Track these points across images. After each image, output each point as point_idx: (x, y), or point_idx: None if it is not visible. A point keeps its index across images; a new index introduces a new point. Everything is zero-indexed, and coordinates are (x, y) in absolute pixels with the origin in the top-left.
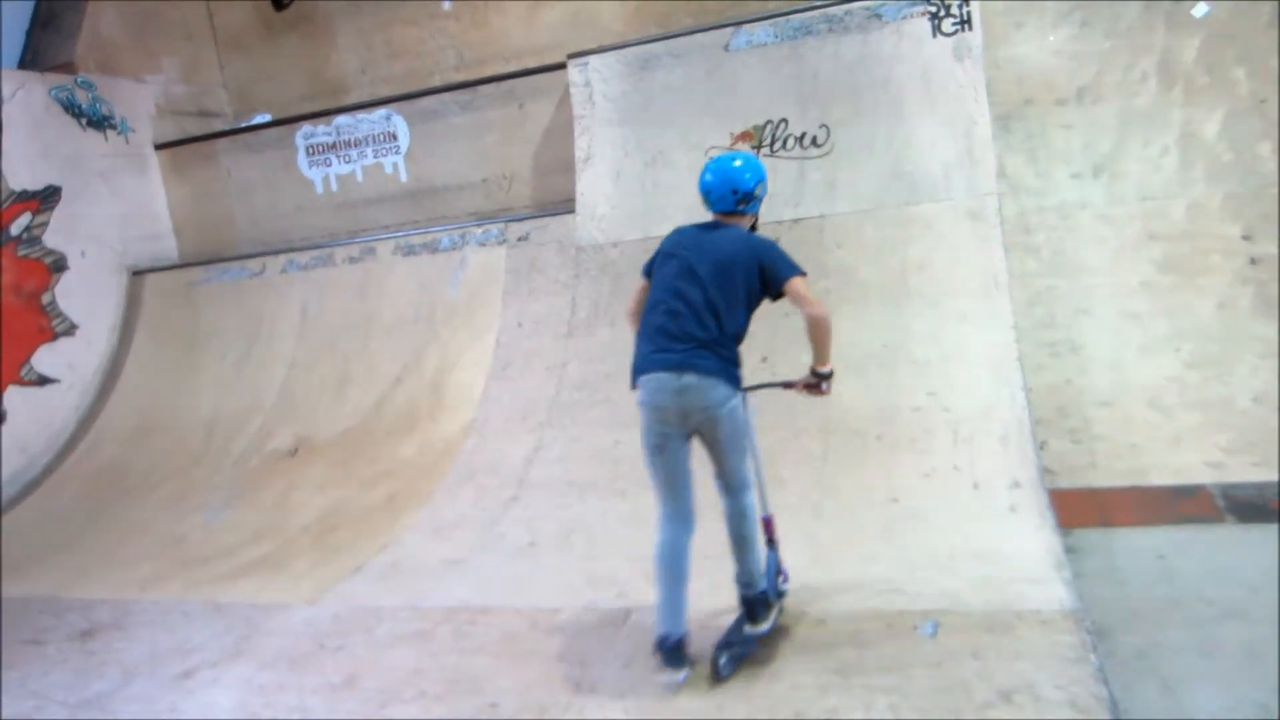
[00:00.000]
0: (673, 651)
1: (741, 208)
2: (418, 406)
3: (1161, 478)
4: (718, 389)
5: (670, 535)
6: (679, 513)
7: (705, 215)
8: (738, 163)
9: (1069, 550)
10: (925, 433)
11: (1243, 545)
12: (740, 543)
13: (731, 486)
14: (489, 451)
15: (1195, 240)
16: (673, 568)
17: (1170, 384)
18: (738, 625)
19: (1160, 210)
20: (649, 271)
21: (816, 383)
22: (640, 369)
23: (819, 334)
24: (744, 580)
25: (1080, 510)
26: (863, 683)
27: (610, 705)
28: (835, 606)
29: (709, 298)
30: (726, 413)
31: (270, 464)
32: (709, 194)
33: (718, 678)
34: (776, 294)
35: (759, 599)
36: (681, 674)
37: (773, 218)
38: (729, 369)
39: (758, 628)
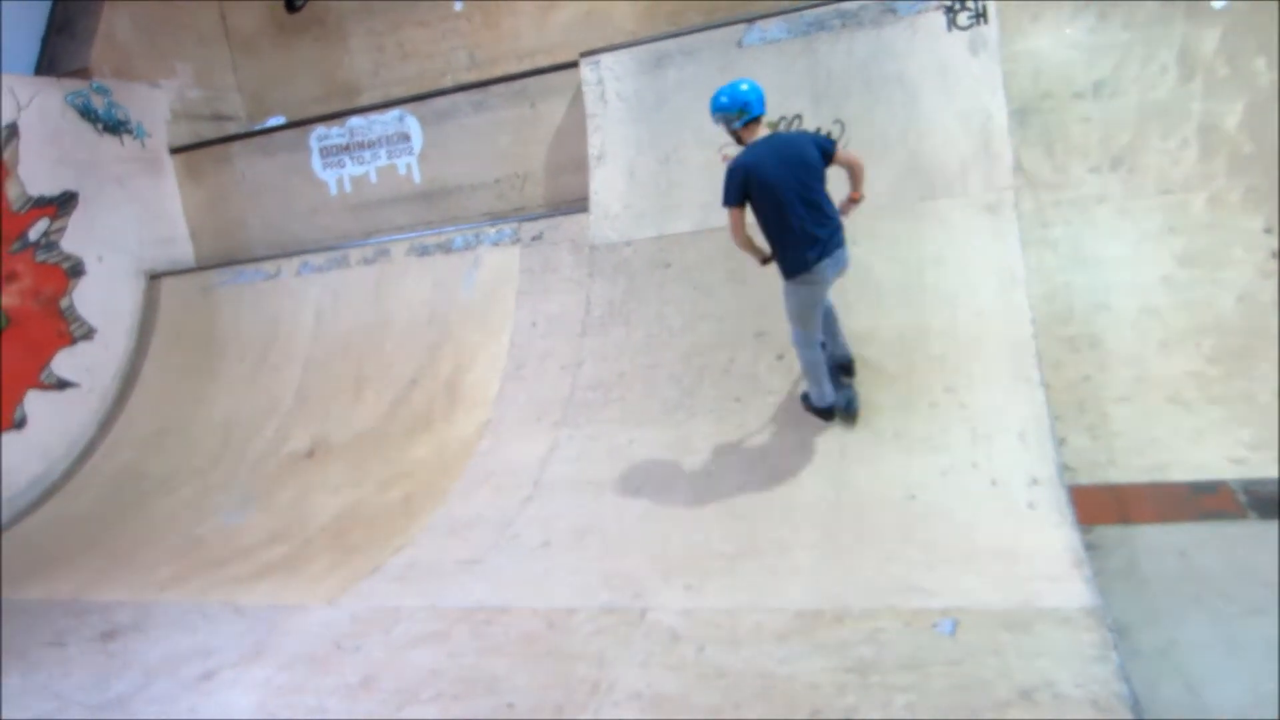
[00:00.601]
0: (845, 410)
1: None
2: (433, 407)
3: (1182, 474)
4: (846, 251)
5: (820, 348)
6: (819, 336)
7: (718, 213)
8: (744, 86)
9: (1089, 547)
10: (942, 429)
11: (1265, 541)
12: (837, 326)
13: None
14: (504, 451)
15: (1216, 233)
16: (826, 364)
17: (1191, 379)
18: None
19: (1180, 203)
20: (740, 200)
21: (858, 200)
22: (805, 266)
23: (861, 171)
24: (842, 351)
25: (1100, 507)
26: (880, 681)
27: (627, 705)
28: (853, 604)
29: (816, 193)
30: (848, 262)
31: (287, 466)
32: (752, 103)
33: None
34: (830, 161)
35: (850, 362)
36: (851, 402)
37: None
38: (843, 233)
39: (851, 380)
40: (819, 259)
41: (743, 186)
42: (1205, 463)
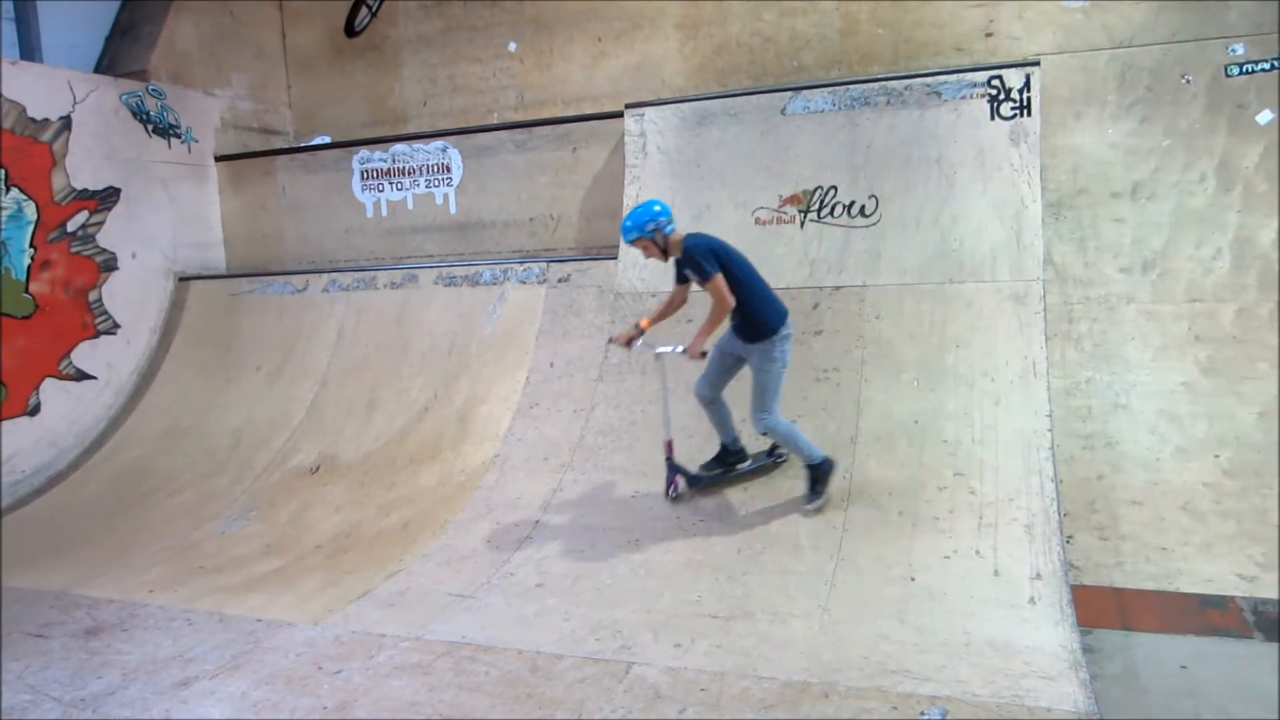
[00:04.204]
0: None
1: None
2: (442, 436)
3: (1189, 585)
4: None
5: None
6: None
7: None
8: (656, 207)
9: (1087, 650)
10: (949, 513)
11: (1270, 664)
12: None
13: None
14: (508, 488)
15: (1242, 346)
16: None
17: (1206, 490)
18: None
19: (1209, 312)
20: (723, 265)
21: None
22: (785, 313)
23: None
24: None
25: (1102, 610)
26: None
27: None
28: (841, 681)
29: None
30: None
31: (291, 479)
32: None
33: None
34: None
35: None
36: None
37: (814, 283)
38: None
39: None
40: (787, 316)
41: (719, 256)
42: (1214, 576)
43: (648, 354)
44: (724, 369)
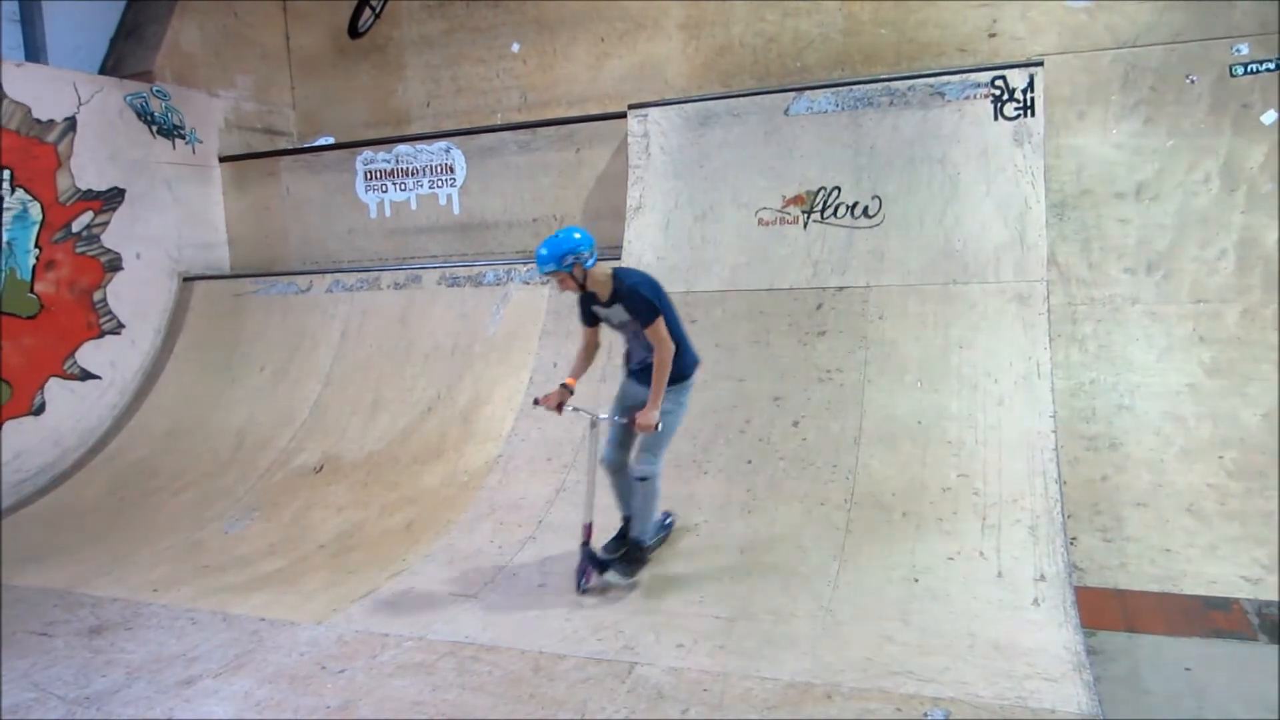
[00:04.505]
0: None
1: None
2: (446, 436)
3: (1194, 587)
4: None
5: None
6: None
7: (747, 275)
8: (577, 234)
9: (1091, 652)
10: (953, 514)
11: (1274, 666)
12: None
13: None
14: (511, 489)
15: (1246, 347)
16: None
17: (1211, 491)
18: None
19: (1213, 313)
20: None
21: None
22: (698, 363)
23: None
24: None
25: (1106, 612)
26: None
27: None
28: (844, 682)
29: None
30: None
31: (294, 479)
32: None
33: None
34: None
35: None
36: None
37: (818, 284)
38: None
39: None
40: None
41: (661, 296)
42: (1218, 578)
43: (584, 419)
44: (623, 427)
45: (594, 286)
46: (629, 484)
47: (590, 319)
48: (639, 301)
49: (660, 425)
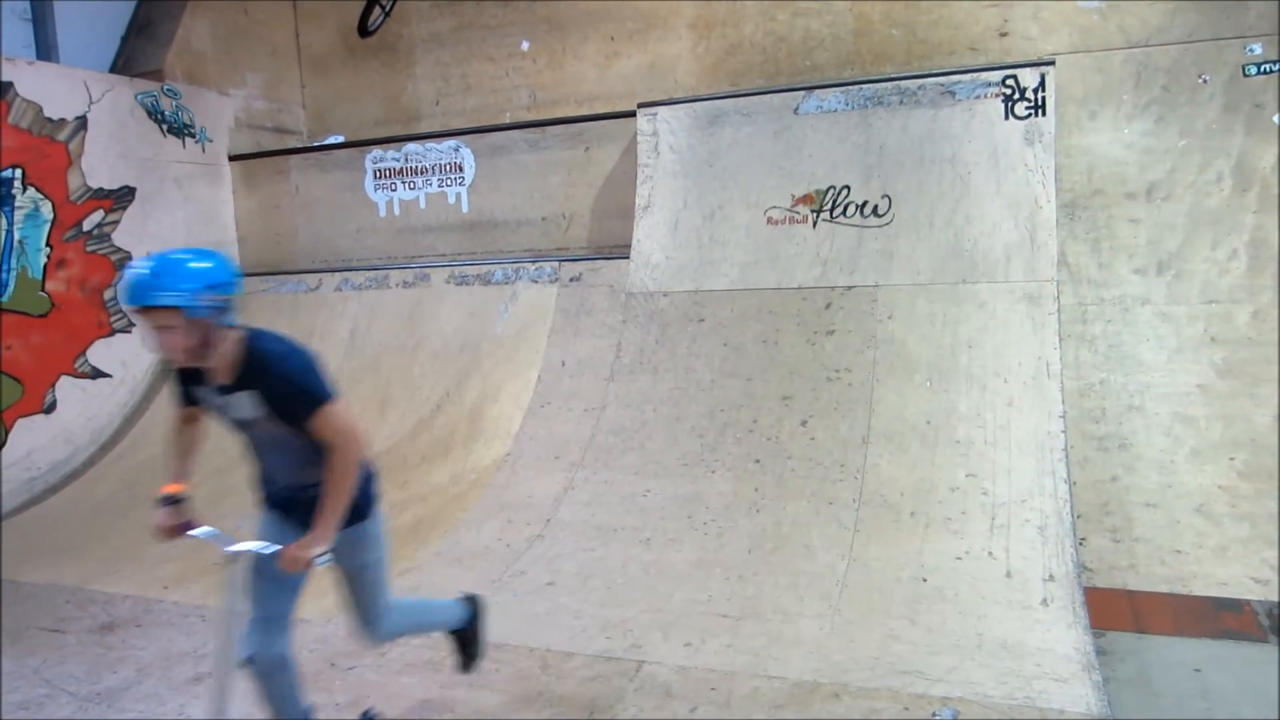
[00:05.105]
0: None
1: None
2: (454, 435)
3: (1204, 588)
4: None
5: None
6: None
7: (756, 274)
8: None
9: (1100, 652)
10: (961, 514)
11: None
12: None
13: None
14: (519, 487)
15: (1258, 348)
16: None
17: (1221, 492)
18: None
19: (1224, 314)
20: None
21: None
22: (376, 473)
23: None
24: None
25: (1115, 612)
26: None
27: None
28: (852, 681)
29: None
30: None
31: None
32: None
33: None
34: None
35: None
36: None
37: (826, 283)
38: None
39: None
40: None
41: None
42: (1228, 579)
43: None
44: (276, 581)
45: (212, 360)
46: (289, 679)
47: (188, 398)
48: (293, 386)
49: (316, 563)
